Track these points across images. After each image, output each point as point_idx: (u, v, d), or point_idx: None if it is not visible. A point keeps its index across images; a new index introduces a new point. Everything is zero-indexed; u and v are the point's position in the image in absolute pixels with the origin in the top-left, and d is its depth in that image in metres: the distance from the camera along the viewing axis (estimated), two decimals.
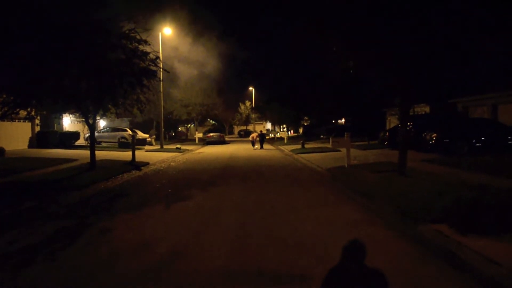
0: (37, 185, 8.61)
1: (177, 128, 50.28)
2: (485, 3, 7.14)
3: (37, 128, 21.33)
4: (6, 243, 4.67)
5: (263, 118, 54.55)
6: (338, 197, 7.45)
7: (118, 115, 14.45)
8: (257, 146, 25.26)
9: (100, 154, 16.64)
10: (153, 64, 11.14)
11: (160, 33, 22.80)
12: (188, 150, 23.52)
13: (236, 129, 72.08)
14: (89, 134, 13.88)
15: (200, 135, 36.00)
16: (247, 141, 29.38)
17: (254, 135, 26.79)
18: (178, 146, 24.85)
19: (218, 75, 39.59)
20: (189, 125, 49.72)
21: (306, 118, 39.83)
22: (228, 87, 75.58)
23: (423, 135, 14.72)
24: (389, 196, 6.48)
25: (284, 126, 44.79)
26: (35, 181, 9.15)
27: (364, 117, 31.41)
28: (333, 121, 40.03)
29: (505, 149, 13.25)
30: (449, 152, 13.11)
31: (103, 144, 26.30)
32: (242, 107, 68.86)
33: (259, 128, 54.18)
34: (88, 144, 18.14)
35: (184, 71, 33.44)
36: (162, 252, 4.24)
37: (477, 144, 13.48)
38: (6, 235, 5.07)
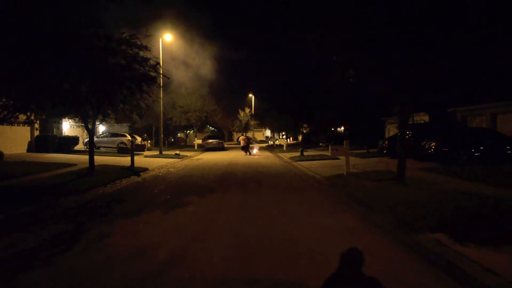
0: (35, 190, 8.58)
1: (176, 134, 50.27)
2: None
3: (36, 133, 21.26)
4: (3, 248, 4.64)
5: (262, 125, 54.56)
6: (337, 206, 7.44)
7: (117, 121, 14.45)
8: (250, 150, 25.22)
9: (99, 159, 16.64)
10: (153, 70, 11.15)
11: (160, 39, 22.90)
12: (187, 156, 23.48)
13: (236, 136, 72.06)
14: (88, 139, 13.87)
15: (199, 141, 35.91)
16: None
17: (242, 138, 26.73)
18: (177, 152, 24.84)
19: (218, 81, 39.78)
20: (188, 131, 49.71)
21: (305, 125, 39.86)
22: (227, 94, 75.72)
23: (422, 144, 14.72)
24: (388, 204, 6.48)
25: (283, 133, 44.81)
26: (33, 186, 9.12)
27: (363, 126, 31.50)
28: (332, 129, 40.10)
29: (504, 159, 13.27)
30: (448, 161, 13.11)
31: (102, 149, 26.36)
32: (242, 114, 68.91)
33: (258, 135, 54.22)
34: (87, 149, 18.12)
35: (184, 78, 33.59)
36: (159, 258, 4.22)
37: (476, 154, 13.49)
38: (3, 239, 5.04)
